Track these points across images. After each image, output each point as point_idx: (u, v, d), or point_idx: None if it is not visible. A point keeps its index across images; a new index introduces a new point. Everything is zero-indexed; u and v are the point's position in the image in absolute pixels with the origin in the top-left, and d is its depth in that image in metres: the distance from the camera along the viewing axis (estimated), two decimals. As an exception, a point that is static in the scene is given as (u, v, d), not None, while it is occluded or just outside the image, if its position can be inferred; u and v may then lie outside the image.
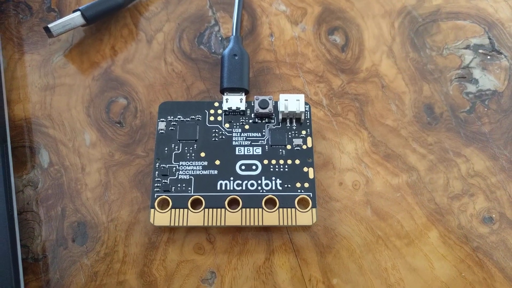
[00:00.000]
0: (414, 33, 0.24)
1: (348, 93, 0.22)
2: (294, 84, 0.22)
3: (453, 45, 0.23)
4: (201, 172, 0.20)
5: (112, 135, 0.21)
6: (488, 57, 0.23)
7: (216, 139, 0.20)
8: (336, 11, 0.24)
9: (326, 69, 0.23)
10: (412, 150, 0.21)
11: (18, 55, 0.23)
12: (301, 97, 0.20)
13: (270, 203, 0.19)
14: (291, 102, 0.20)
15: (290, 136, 0.20)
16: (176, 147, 0.20)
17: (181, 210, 0.19)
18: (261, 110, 0.20)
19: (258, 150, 0.20)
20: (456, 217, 0.20)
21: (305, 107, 0.21)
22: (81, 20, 0.22)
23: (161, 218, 0.19)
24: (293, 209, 0.19)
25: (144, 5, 0.24)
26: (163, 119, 0.21)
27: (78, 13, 0.22)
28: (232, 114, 0.21)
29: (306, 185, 0.19)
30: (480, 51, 0.23)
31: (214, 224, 0.19)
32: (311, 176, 0.20)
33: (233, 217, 0.19)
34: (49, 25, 0.21)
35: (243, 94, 0.21)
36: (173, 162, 0.20)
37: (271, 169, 0.20)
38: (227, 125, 0.21)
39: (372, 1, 0.24)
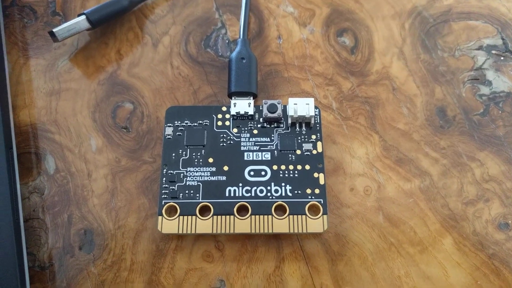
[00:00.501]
0: (425, 34, 0.23)
1: (358, 96, 0.22)
2: (303, 87, 0.22)
3: (465, 46, 0.23)
4: (209, 178, 0.19)
5: (119, 141, 0.21)
6: (502, 58, 0.23)
7: (224, 144, 0.20)
8: (345, 12, 0.24)
9: (336, 72, 0.22)
10: (425, 154, 0.21)
11: (23, 59, 0.23)
12: (311, 101, 0.20)
13: (280, 209, 0.19)
14: (301, 106, 0.20)
15: (299, 141, 0.20)
16: (184, 152, 0.20)
17: (189, 217, 0.19)
18: (269, 115, 0.20)
19: (267, 156, 0.20)
20: (471, 223, 0.19)
21: (315, 111, 0.20)
22: (86, 24, 0.22)
23: (169, 225, 0.19)
24: (304, 216, 0.19)
25: (149, 8, 0.24)
26: (170, 124, 0.20)
27: (83, 17, 0.22)
28: (240, 119, 0.21)
29: (317, 191, 0.19)
30: (493, 52, 0.23)
31: (223, 231, 0.18)
32: (321, 182, 0.19)
33: (242, 224, 0.19)
34: (54, 30, 0.21)
35: (251, 98, 0.21)
36: (180, 168, 0.20)
37: (281, 175, 0.19)
38: (235, 130, 0.20)
39: (382, 1, 0.24)
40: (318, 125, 0.20)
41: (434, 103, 0.22)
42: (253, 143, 0.20)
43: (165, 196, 0.19)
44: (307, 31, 0.23)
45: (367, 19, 0.24)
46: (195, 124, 0.20)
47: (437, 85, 0.22)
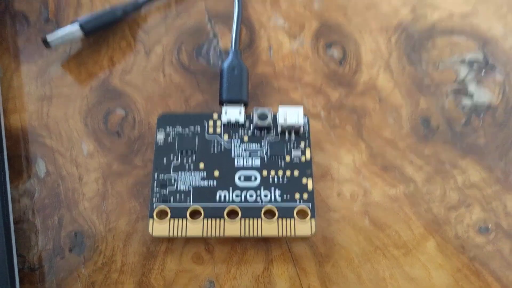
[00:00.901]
0: (410, 48, 0.26)
1: (346, 105, 0.24)
2: (293, 96, 0.25)
3: (448, 60, 0.26)
4: (200, 183, 0.22)
5: (110, 146, 0.23)
6: (483, 71, 0.26)
7: (215, 150, 0.22)
8: (333, 25, 0.27)
9: (324, 82, 0.25)
10: (409, 161, 0.23)
11: (15, 65, 0.25)
12: (300, 109, 0.22)
13: (269, 213, 0.21)
14: (290, 114, 0.22)
15: (289, 147, 0.22)
16: (175, 158, 0.22)
17: (180, 220, 0.21)
18: (260, 122, 0.22)
19: (257, 162, 0.22)
20: (453, 227, 0.22)
21: (304, 120, 0.23)
22: (79, 32, 0.24)
23: (159, 228, 0.20)
24: (292, 220, 0.21)
25: (142, 17, 0.26)
26: (162, 130, 0.23)
27: (77, 25, 0.24)
28: (231, 126, 0.23)
29: (305, 196, 0.21)
30: (475, 66, 0.26)
31: (213, 234, 0.20)
32: (310, 187, 0.21)
33: (232, 228, 0.21)
34: (47, 37, 0.23)
35: (242, 106, 0.23)
36: (171, 173, 0.22)
37: (270, 180, 0.22)
38: (226, 137, 0.23)
39: (369, 17, 0.27)
40: (306, 133, 0.23)
41: (418, 114, 0.24)
42: (243, 149, 0.22)
43: (156, 200, 0.21)
44: (297, 43, 0.26)
45: (355, 32, 0.26)
46: (187, 130, 0.23)
47: (421, 96, 0.25)
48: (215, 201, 0.21)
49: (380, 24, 0.27)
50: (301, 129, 0.22)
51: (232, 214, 0.21)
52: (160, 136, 0.22)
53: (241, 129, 0.23)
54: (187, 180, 0.22)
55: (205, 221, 0.21)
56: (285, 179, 0.22)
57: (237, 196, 0.21)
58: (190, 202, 0.21)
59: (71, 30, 0.24)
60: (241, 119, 0.23)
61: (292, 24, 0.26)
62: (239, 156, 0.22)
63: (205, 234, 0.20)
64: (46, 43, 0.24)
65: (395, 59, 0.26)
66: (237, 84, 0.23)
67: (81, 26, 0.24)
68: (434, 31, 0.27)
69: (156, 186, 0.21)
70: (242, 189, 0.21)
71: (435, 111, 0.25)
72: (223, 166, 0.22)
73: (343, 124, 0.24)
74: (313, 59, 0.26)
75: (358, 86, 0.25)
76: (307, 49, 0.26)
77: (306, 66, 0.25)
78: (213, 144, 0.22)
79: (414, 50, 0.26)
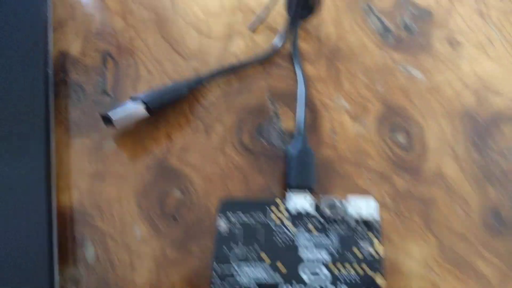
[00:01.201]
0: (476, 134, 0.24)
1: (413, 194, 0.22)
2: (357, 182, 0.23)
3: (514, 148, 0.24)
4: (263, 276, 0.19)
5: (165, 230, 0.21)
6: (551, 161, 0.24)
7: (279, 240, 0.20)
8: (396, 108, 0.25)
9: (390, 168, 0.23)
10: (482, 257, 0.21)
11: (68, 139, 0.23)
12: (373, 201, 0.20)
13: (339, 314, 0.19)
14: (361, 206, 0.20)
15: (357, 240, 0.20)
16: (237, 248, 0.20)
17: (242, 319, 0.18)
18: (328, 212, 0.20)
19: (325, 255, 0.20)
20: (539, 338, 0.19)
21: (376, 212, 0.21)
22: (144, 113, 0.22)
23: (219, 328, 0.18)
24: (363, 323, 0.18)
25: (202, 93, 0.25)
26: (224, 218, 0.21)
27: (141, 104, 0.22)
28: (297, 215, 0.21)
29: (376, 295, 0.19)
30: (543, 155, 0.24)
31: (279, 338, 0.18)
32: (380, 283, 0.19)
33: (298, 330, 0.18)
34: (111, 115, 0.22)
35: (309, 192, 0.21)
36: (233, 264, 0.19)
37: (338, 276, 0.19)
38: (291, 226, 0.21)
39: (432, 100, 0.25)
40: (377, 225, 0.21)
41: (488, 205, 0.22)
42: (310, 240, 0.20)
43: (216, 295, 0.19)
44: (361, 125, 0.24)
45: (418, 116, 0.25)
46: (250, 218, 0.21)
47: (490, 186, 0.23)
48: (279, 298, 0.19)
49: (443, 108, 0.25)
50: (372, 221, 0.20)
51: (298, 313, 0.19)
52: (222, 224, 0.20)
53: (308, 218, 0.21)
54: (249, 272, 0.19)
55: (270, 321, 0.18)
56: (354, 274, 0.19)
57: (303, 293, 0.19)
58: (253, 299, 0.19)
59: (136, 109, 0.22)
60: (308, 207, 0.21)
61: (354, 106, 0.25)
62: (305, 248, 0.20)
63: (269, 336, 0.18)
64: (106, 120, 0.22)
65: (461, 145, 0.24)
66: (305, 171, 0.22)
67: (147, 106, 0.22)
68: (499, 117, 0.25)
69: (216, 280, 0.19)
70: (308, 284, 0.19)
71: (505, 203, 0.23)
72: (288, 259, 0.20)
73: (411, 215, 0.22)
74: (377, 143, 0.24)
75: (424, 174, 0.23)
76: (370, 132, 0.24)
77: (370, 150, 0.24)
78: (277, 234, 0.20)
79: (479, 136, 0.24)
